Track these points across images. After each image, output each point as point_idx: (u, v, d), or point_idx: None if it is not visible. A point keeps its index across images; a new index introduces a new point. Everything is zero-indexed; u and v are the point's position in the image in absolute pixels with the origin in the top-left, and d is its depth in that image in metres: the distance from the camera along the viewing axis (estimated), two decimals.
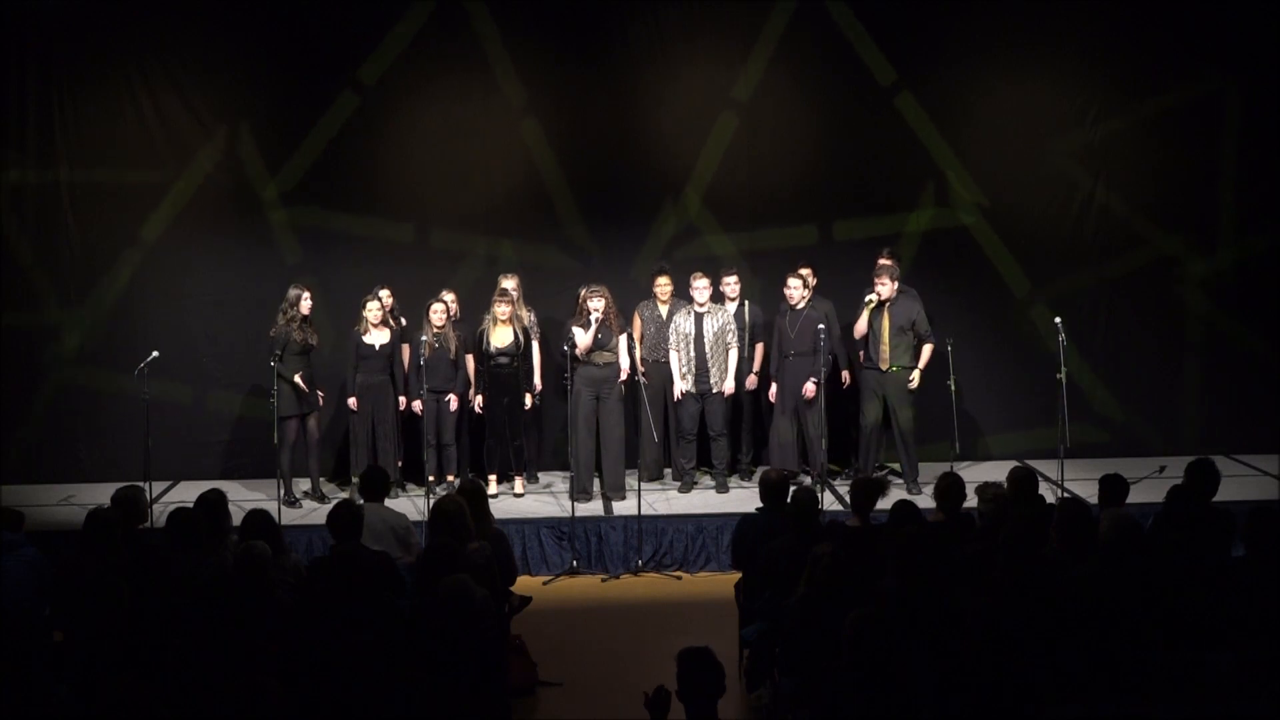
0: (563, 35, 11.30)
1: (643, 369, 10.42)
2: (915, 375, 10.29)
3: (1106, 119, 11.46)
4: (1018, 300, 11.51)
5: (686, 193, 11.31)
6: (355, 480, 10.37)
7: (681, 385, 10.42)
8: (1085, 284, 11.54)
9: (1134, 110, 11.47)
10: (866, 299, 10.30)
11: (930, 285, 11.13)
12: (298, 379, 10.07)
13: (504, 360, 10.33)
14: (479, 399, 10.46)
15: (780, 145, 11.42)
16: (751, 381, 10.71)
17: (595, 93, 11.34)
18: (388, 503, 8.15)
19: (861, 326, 10.31)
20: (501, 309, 10.28)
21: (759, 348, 10.72)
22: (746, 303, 10.79)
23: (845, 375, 10.79)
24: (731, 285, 10.68)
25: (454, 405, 10.34)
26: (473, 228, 11.33)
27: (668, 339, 10.50)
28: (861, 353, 10.54)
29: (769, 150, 11.40)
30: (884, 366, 10.31)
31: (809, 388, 10.29)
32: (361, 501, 7.79)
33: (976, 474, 9.34)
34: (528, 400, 10.50)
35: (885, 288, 10.23)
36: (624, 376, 10.27)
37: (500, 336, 10.33)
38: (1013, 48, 11.47)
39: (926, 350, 10.34)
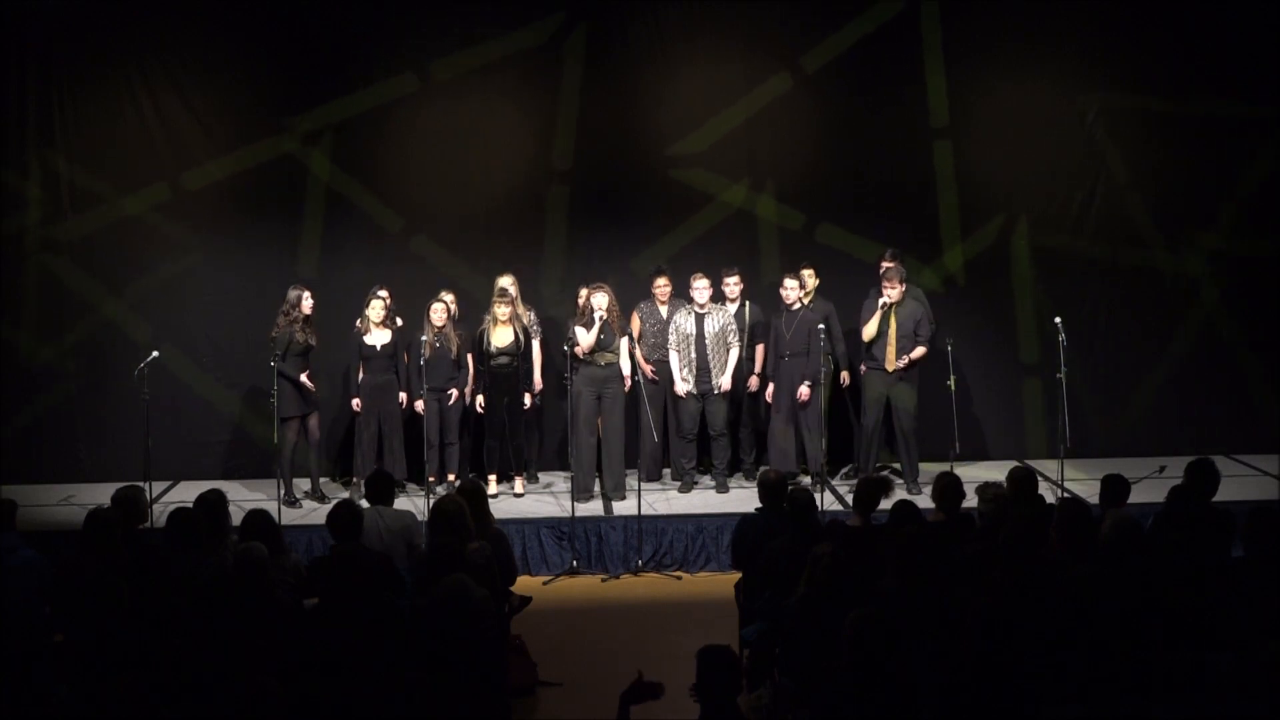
0: (562, 35, 11.31)
1: (650, 368, 10.43)
2: (892, 356, 10.24)
3: (1107, 120, 11.47)
4: (1017, 298, 11.54)
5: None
6: (356, 480, 10.40)
7: (682, 385, 10.42)
8: (1085, 283, 11.55)
9: (1135, 112, 11.49)
10: (881, 302, 10.27)
11: (932, 280, 11.20)
12: (304, 378, 10.08)
13: (504, 360, 10.32)
14: (479, 399, 10.46)
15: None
16: (753, 382, 10.70)
17: (595, 92, 11.34)
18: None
19: (872, 329, 10.28)
20: (501, 309, 10.28)
21: (759, 348, 10.71)
22: (748, 303, 10.78)
23: (845, 376, 10.76)
24: (732, 285, 10.67)
25: (454, 397, 10.32)
26: (472, 227, 11.33)
27: (668, 339, 10.50)
28: (866, 356, 10.51)
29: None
30: (890, 368, 10.30)
31: (803, 390, 10.28)
32: (366, 504, 7.76)
33: (976, 474, 9.33)
34: (527, 400, 10.50)
35: (895, 290, 10.23)
36: (627, 384, 10.27)
37: (500, 336, 10.33)
38: (1013, 47, 11.49)
39: (919, 350, 10.32)
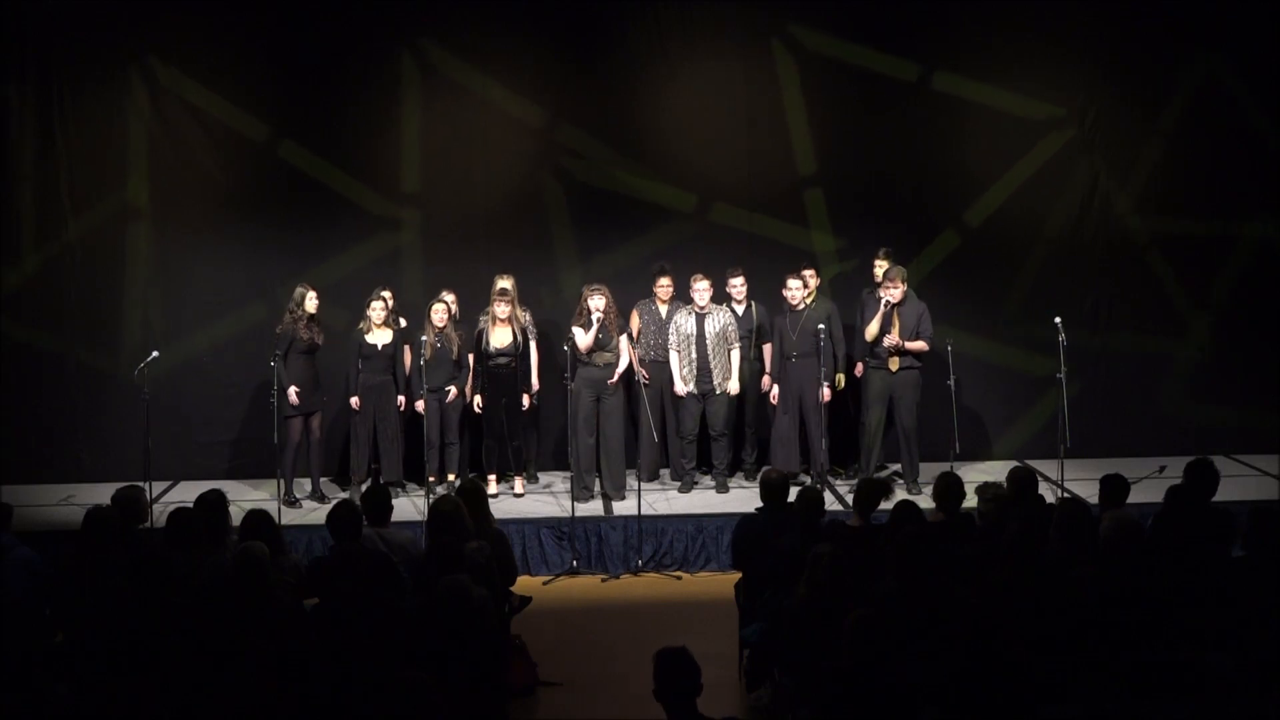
0: (562, 35, 11.31)
1: (643, 370, 10.41)
2: (894, 337, 10.26)
3: (1106, 120, 11.48)
4: (1017, 298, 11.55)
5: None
6: (356, 480, 10.39)
7: (683, 386, 10.41)
8: (1086, 283, 11.55)
9: (1133, 111, 11.49)
10: (884, 301, 10.25)
11: (930, 284, 11.16)
12: (292, 391, 10.02)
13: (503, 360, 10.32)
14: (478, 399, 10.45)
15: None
16: (765, 383, 10.66)
17: (594, 92, 11.34)
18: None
19: (874, 328, 10.27)
20: (501, 309, 10.28)
21: (767, 348, 10.68)
22: (753, 304, 10.76)
23: (840, 378, 10.70)
24: (737, 286, 10.65)
25: (453, 394, 10.31)
26: (471, 227, 11.33)
27: (667, 339, 10.49)
28: (868, 355, 10.49)
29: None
30: (893, 368, 10.30)
31: (825, 392, 10.26)
32: (366, 524, 7.62)
33: (976, 474, 9.34)
34: (525, 401, 10.49)
35: (898, 290, 10.22)
36: (617, 376, 10.23)
37: (499, 337, 10.32)
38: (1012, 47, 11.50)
39: (920, 343, 10.30)
